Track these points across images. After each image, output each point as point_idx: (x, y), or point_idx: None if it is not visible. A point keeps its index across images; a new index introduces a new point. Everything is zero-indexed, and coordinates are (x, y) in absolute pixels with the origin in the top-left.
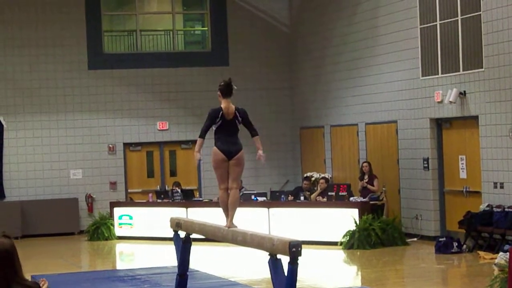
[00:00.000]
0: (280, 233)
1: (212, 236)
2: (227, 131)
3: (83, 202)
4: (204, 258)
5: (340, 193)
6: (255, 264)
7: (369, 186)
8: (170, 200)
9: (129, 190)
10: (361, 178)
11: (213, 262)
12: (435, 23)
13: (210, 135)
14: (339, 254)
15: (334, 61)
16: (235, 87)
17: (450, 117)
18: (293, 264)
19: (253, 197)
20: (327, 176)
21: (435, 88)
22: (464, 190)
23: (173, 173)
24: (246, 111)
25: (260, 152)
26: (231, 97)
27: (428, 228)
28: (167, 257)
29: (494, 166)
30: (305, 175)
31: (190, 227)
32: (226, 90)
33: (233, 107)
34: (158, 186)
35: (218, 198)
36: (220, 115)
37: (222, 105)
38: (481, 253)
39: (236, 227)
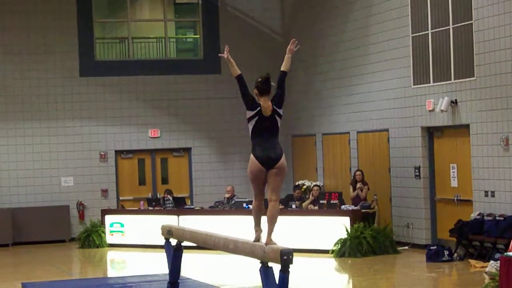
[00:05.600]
0: None
1: (203, 243)
2: (265, 132)
3: (74, 210)
4: (196, 266)
5: (331, 201)
6: (246, 272)
7: (357, 191)
8: (162, 208)
9: (120, 198)
10: (354, 185)
11: (205, 269)
12: (427, 32)
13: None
14: (331, 262)
15: (326, 69)
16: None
17: (441, 125)
18: (285, 272)
19: (244, 205)
20: (319, 184)
21: (426, 96)
22: (455, 198)
23: (164, 181)
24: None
25: (289, 54)
26: (269, 95)
27: (419, 237)
28: (159, 265)
29: (485, 175)
30: (296, 183)
31: (181, 234)
32: (264, 87)
33: (271, 104)
34: (150, 194)
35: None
36: (257, 110)
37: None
38: (472, 261)
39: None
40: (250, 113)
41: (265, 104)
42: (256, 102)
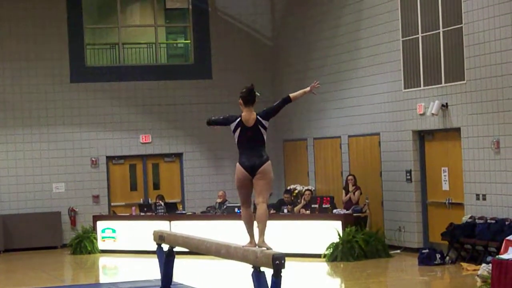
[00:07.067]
0: None
1: (195, 249)
2: (249, 141)
3: (65, 216)
4: (188, 271)
5: (323, 206)
6: (239, 277)
7: (350, 195)
8: (153, 213)
9: (112, 204)
10: (347, 190)
11: (197, 275)
12: (417, 36)
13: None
14: (323, 266)
15: (316, 74)
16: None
17: (432, 129)
18: (277, 277)
19: (236, 209)
20: (310, 188)
21: (417, 100)
22: (447, 202)
23: (156, 186)
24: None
25: (308, 88)
26: (253, 105)
27: (411, 240)
28: (151, 270)
29: (477, 178)
30: (287, 188)
31: (173, 240)
32: (248, 97)
33: (255, 114)
34: (141, 199)
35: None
36: (237, 121)
37: (242, 114)
38: (464, 264)
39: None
40: (233, 125)
41: (248, 114)
42: (233, 119)
